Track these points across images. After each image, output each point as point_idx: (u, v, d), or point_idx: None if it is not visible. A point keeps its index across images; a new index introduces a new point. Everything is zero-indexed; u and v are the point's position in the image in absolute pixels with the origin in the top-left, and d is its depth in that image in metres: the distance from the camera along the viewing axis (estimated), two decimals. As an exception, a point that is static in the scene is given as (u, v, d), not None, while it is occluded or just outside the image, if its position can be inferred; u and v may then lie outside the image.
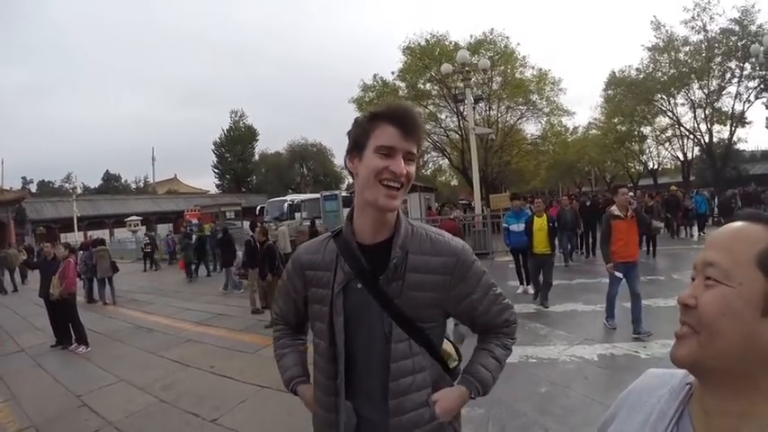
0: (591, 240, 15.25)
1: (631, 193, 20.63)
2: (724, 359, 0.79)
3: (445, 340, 1.81)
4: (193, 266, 18.35)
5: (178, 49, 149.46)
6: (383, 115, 1.51)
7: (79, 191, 56.33)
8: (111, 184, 70.82)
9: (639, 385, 1.03)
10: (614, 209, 6.95)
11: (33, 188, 64.10)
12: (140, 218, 42.70)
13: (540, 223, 8.96)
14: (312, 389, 1.78)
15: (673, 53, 33.15)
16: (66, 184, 64.35)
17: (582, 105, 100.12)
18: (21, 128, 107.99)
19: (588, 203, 16.63)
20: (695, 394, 0.88)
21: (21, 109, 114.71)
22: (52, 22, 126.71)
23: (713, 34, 31.25)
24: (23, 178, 64.36)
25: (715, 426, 0.82)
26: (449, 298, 1.63)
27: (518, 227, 9.73)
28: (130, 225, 39.55)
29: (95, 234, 31.19)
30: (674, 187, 20.94)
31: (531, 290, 9.73)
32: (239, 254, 14.32)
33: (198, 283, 16.97)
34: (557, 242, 11.12)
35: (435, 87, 33.30)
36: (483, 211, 19.02)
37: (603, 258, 7.06)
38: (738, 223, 0.85)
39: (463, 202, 31.37)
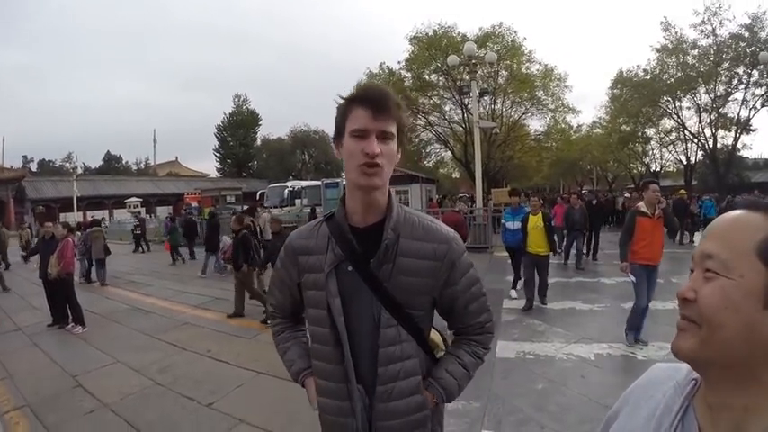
0: (595, 242, 14.33)
1: (627, 195, 19.79)
2: (725, 352, 0.77)
3: (433, 330, 1.81)
4: (182, 250, 18.77)
5: (182, 34, 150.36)
6: (355, 99, 1.53)
7: (80, 171, 56.56)
8: (112, 165, 70.85)
9: (645, 380, 1.02)
10: (641, 205, 6.47)
11: (34, 167, 64.05)
12: (140, 199, 42.87)
13: (536, 221, 8.50)
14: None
15: (681, 56, 32.99)
16: (67, 164, 64.53)
17: (585, 104, 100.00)
18: (22, 107, 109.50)
19: (594, 202, 16.13)
20: (700, 389, 0.87)
21: (23, 89, 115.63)
22: (55, 5, 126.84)
23: (722, 39, 31.09)
24: (24, 157, 64.38)
25: (720, 420, 0.81)
26: (437, 285, 1.63)
27: (513, 224, 9.19)
28: (130, 206, 39.60)
29: (96, 214, 31.29)
30: (683, 191, 20.79)
31: (514, 294, 9.34)
32: (225, 238, 14.39)
33: (193, 266, 16.92)
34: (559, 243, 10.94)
35: (441, 79, 33.28)
36: (485, 204, 18.99)
37: (620, 256, 6.56)
38: (737, 212, 0.83)
39: (463, 195, 31.41)
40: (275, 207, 27.99)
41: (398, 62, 34.09)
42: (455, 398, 1.72)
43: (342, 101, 1.58)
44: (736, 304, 0.75)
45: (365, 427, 1.61)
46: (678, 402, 0.87)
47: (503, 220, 9.99)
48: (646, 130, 38.75)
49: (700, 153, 37.37)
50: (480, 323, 1.75)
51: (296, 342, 1.90)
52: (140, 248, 23.19)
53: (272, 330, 1.99)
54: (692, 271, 0.85)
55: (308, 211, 21.68)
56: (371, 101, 1.49)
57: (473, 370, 1.74)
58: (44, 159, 70.34)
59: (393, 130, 1.53)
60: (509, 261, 10.47)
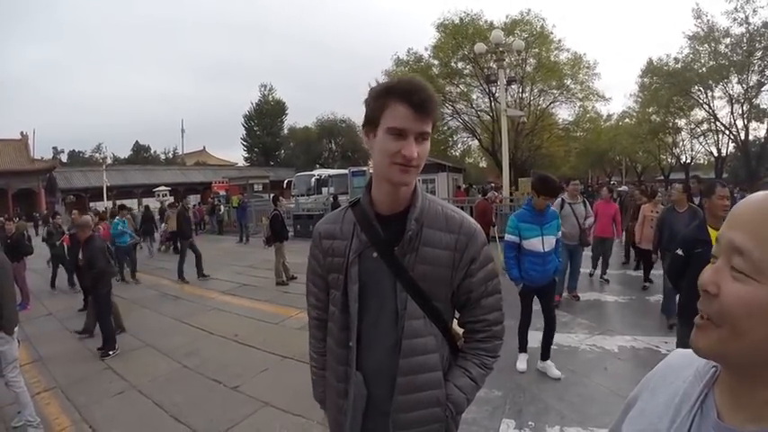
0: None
1: (624, 187, 16.70)
2: (748, 357, 0.73)
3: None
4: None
5: (209, 26, 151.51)
6: (395, 92, 1.45)
7: (109, 161, 57.28)
8: (141, 155, 71.59)
9: (664, 366, 0.99)
10: None
11: (64, 158, 65.08)
12: (169, 188, 43.17)
13: None
14: None
15: (713, 44, 32.16)
16: (97, 155, 65.66)
17: (611, 93, 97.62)
18: (52, 100, 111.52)
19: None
20: (720, 377, 0.84)
21: (52, 82, 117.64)
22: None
23: (755, 27, 30.09)
24: (54, 148, 65.26)
25: (739, 410, 0.78)
26: (456, 277, 1.62)
27: (541, 242, 5.01)
28: (159, 195, 39.99)
29: (125, 203, 31.77)
30: None
31: (523, 365, 5.35)
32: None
33: (224, 253, 17.13)
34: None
35: (468, 66, 32.99)
36: (512, 194, 18.81)
37: None
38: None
39: (491, 183, 31.20)
40: (302, 195, 28.18)
41: (425, 48, 34.00)
42: (464, 410, 1.73)
43: (378, 87, 1.53)
44: (765, 312, 0.69)
45: (356, 413, 1.64)
46: (698, 389, 0.85)
47: (510, 235, 5.20)
48: (676, 121, 37.96)
49: (731, 145, 36.50)
50: (489, 321, 1.72)
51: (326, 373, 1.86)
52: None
53: (309, 341, 1.96)
54: (714, 256, 0.79)
55: (332, 200, 21.75)
56: (415, 101, 1.43)
57: (482, 381, 1.73)
58: (74, 150, 71.48)
59: (430, 129, 1.50)
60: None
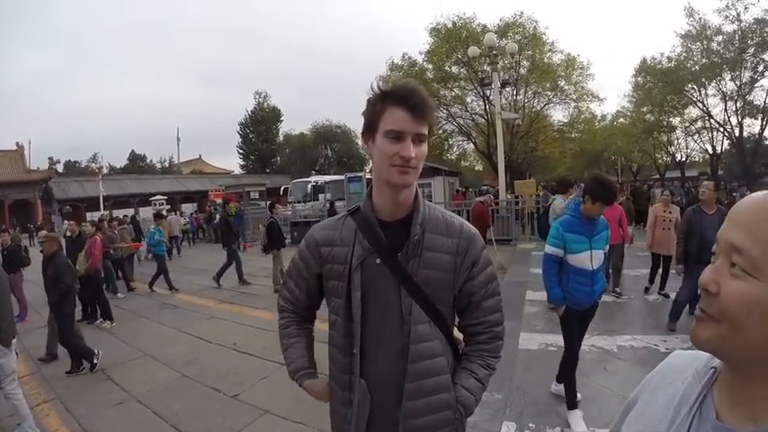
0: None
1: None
2: (747, 353, 0.73)
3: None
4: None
5: (204, 33, 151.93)
6: (392, 97, 1.49)
7: (105, 170, 57.35)
8: (137, 164, 71.73)
9: (664, 367, 1.00)
10: None
11: (60, 168, 65.07)
12: (165, 197, 43.25)
13: None
14: (319, 383, 1.81)
15: (705, 42, 32.24)
16: (93, 164, 65.97)
17: (605, 94, 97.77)
18: (48, 110, 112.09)
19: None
20: (719, 377, 0.84)
21: (48, 92, 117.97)
22: (78, 6, 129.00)
23: (747, 24, 30.15)
24: (50, 158, 65.30)
25: (738, 409, 0.78)
26: (458, 281, 1.65)
27: (590, 258, 4.12)
28: (155, 204, 40.00)
29: (122, 212, 31.80)
30: None
31: (554, 385, 4.77)
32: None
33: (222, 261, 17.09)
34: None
35: (462, 70, 32.97)
36: (508, 197, 18.73)
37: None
38: (766, 195, 0.76)
39: (487, 186, 31.18)
40: (299, 202, 28.15)
41: (420, 52, 34.02)
42: (473, 412, 1.73)
43: (375, 92, 1.55)
44: (764, 309, 0.70)
45: (360, 421, 1.64)
46: (696, 390, 0.85)
47: (551, 246, 4.21)
48: (670, 119, 38.04)
49: (726, 142, 36.56)
50: (491, 322, 1.74)
51: (300, 339, 1.91)
52: None
53: (279, 323, 1.98)
54: (714, 254, 0.81)
55: (328, 206, 21.68)
56: (411, 103, 1.47)
57: (487, 382, 1.75)
58: (70, 160, 71.72)
59: (427, 131, 1.53)
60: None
